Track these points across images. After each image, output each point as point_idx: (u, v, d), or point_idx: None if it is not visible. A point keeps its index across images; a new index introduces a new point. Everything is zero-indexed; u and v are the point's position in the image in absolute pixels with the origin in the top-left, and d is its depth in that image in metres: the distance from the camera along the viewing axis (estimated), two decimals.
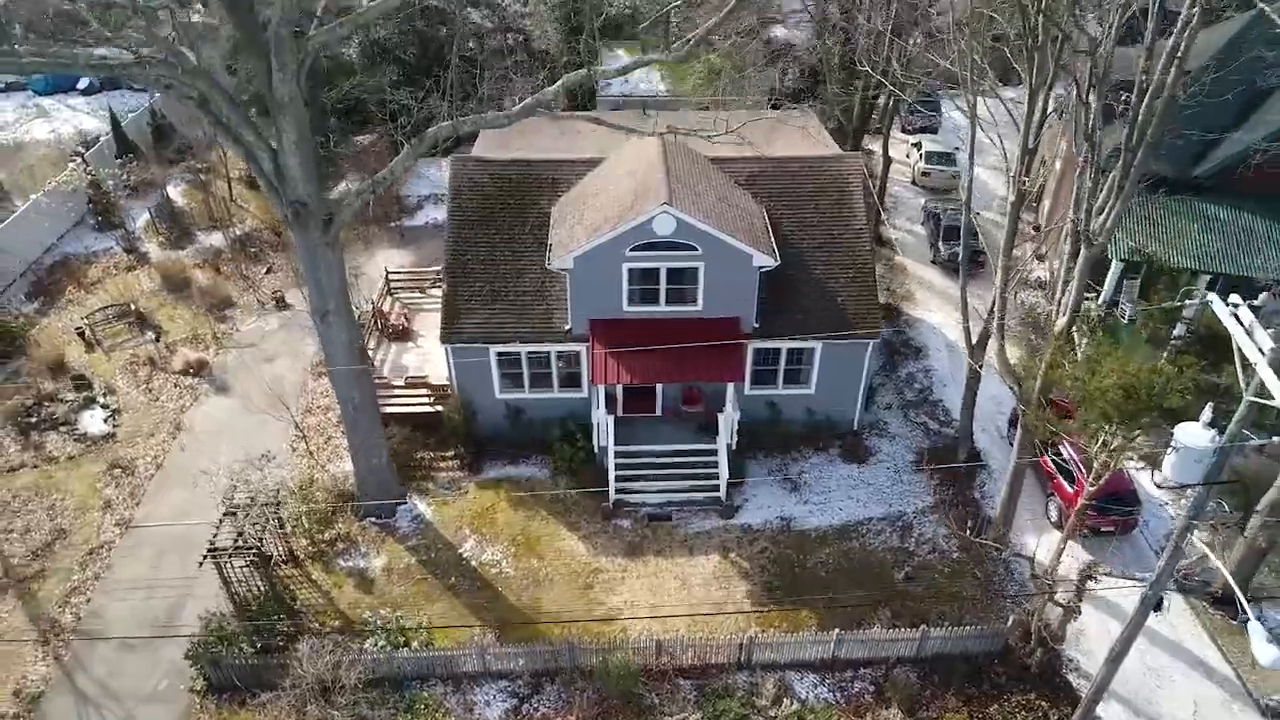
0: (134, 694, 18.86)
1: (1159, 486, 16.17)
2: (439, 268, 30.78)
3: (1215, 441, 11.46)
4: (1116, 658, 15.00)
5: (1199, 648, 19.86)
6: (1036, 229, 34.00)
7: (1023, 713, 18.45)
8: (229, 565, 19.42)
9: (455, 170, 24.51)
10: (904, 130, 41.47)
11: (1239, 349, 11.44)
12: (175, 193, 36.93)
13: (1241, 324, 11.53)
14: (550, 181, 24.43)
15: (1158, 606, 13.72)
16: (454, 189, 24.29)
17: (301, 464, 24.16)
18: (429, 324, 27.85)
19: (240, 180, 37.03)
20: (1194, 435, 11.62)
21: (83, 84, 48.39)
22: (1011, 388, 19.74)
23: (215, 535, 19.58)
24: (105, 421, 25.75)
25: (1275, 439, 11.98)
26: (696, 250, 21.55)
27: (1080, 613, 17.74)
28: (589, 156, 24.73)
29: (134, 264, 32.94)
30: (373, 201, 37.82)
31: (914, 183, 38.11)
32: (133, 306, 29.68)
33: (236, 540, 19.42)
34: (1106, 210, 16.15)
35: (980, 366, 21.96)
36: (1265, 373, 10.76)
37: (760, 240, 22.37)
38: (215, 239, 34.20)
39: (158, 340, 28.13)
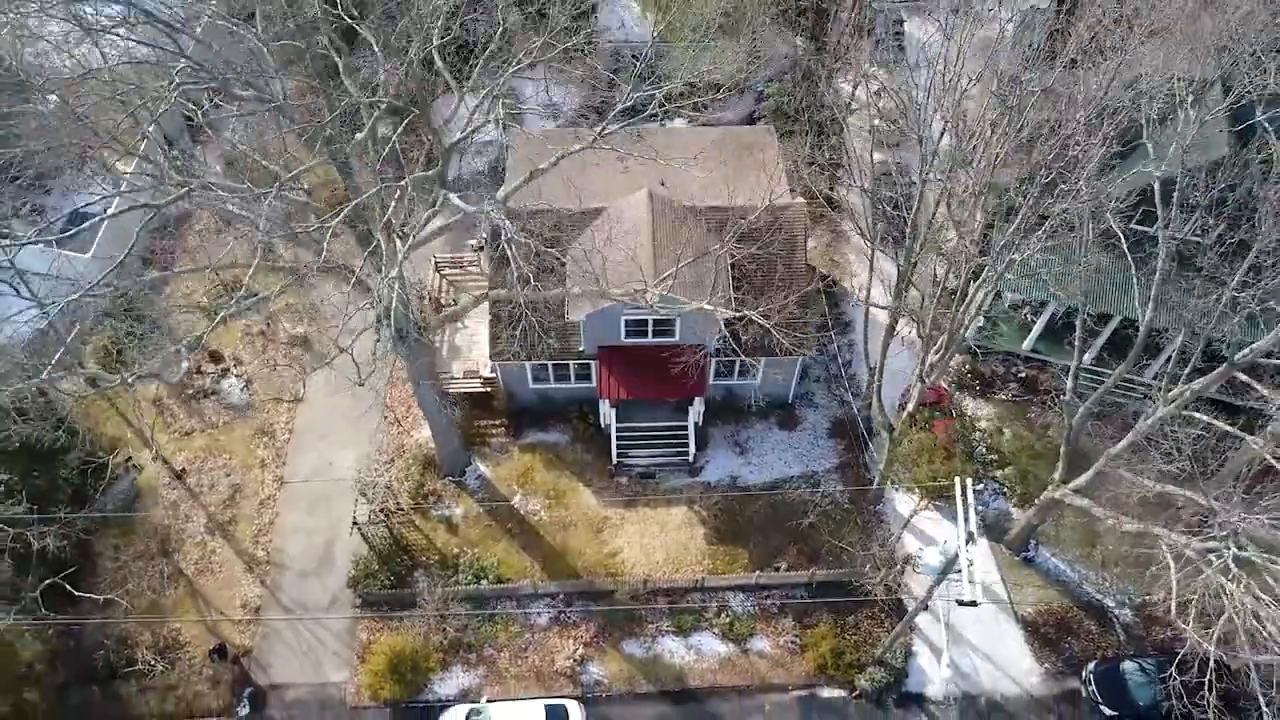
0: (317, 606, 30.18)
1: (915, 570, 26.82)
2: (474, 242, 38.50)
3: (940, 564, 21.31)
4: (910, 619, 25.89)
5: (988, 574, 30.91)
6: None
7: (869, 621, 29.81)
8: (367, 530, 30.01)
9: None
10: (871, 63, 46.19)
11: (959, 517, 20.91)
12: (236, 139, 42.94)
13: (965, 503, 20.90)
14: (565, 228, 31.73)
15: (926, 607, 24.29)
16: (491, 233, 31.75)
17: (393, 431, 33.92)
18: None
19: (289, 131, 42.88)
20: (932, 556, 21.44)
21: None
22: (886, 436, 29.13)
23: (355, 511, 29.93)
24: (242, 391, 35.06)
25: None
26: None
27: (904, 572, 28.66)
28: (594, 207, 31.82)
29: (220, 226, 40.17)
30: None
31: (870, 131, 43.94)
32: (240, 280, 37.63)
33: (370, 516, 29.85)
34: (937, 361, 24.65)
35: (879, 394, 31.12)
36: (961, 547, 20.34)
37: (722, 293, 30.48)
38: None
39: (268, 326, 36.52)
